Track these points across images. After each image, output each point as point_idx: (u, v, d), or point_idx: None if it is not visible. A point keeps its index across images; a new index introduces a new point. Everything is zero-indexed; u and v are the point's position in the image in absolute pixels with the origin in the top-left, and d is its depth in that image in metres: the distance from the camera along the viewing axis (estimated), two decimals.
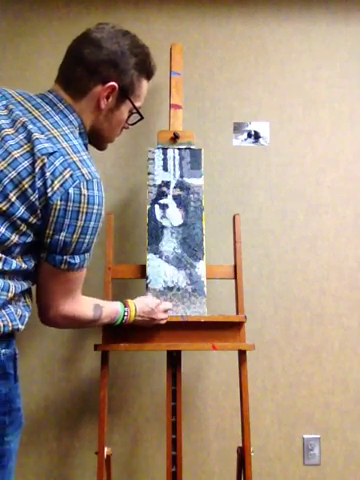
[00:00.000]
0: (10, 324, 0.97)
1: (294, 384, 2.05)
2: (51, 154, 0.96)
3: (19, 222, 0.95)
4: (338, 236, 2.13)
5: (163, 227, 1.70)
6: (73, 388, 2.01)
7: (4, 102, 1.04)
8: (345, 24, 2.23)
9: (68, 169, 0.96)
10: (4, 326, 0.95)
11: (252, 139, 2.17)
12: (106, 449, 1.57)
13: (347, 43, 2.23)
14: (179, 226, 1.71)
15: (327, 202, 2.14)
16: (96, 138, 1.17)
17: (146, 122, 2.15)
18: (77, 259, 1.02)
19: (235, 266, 1.71)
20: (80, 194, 0.97)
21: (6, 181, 0.93)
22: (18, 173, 0.94)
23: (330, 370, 2.06)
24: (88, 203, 0.98)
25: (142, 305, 1.42)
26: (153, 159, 1.77)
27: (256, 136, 2.17)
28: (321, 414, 2.04)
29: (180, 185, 1.75)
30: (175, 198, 1.74)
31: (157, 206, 1.73)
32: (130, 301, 1.39)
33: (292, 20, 2.23)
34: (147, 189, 1.75)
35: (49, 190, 0.94)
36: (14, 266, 0.97)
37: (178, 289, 1.64)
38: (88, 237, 1.01)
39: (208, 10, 2.21)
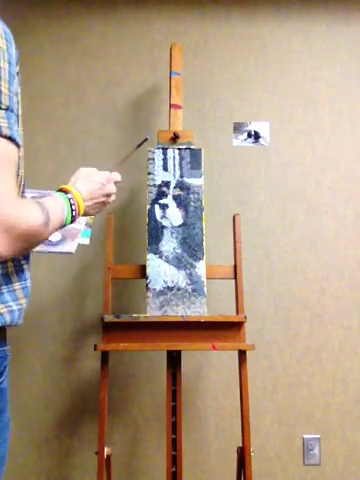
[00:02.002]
0: None
1: (294, 384, 2.05)
2: None
3: None
4: (338, 236, 2.13)
5: (163, 227, 1.70)
6: (73, 388, 2.01)
7: None
8: (345, 24, 2.23)
9: None
10: None
11: (252, 139, 2.17)
12: (106, 449, 1.57)
13: (347, 43, 2.23)
14: (179, 226, 1.71)
15: (327, 202, 2.14)
16: None
17: (146, 122, 2.16)
18: (0, 116, 0.68)
19: (235, 266, 1.71)
20: None
21: None
22: None
23: (330, 370, 2.06)
24: None
25: (90, 185, 0.96)
26: (153, 159, 1.78)
27: (256, 136, 2.17)
28: (321, 414, 2.04)
29: (180, 185, 1.75)
30: (175, 198, 1.74)
31: (157, 206, 1.73)
32: (69, 187, 0.91)
33: (292, 20, 2.23)
34: (147, 189, 1.75)
35: None
36: None
37: (178, 289, 1.64)
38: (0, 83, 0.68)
39: (208, 10, 2.21)
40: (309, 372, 2.06)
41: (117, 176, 1.08)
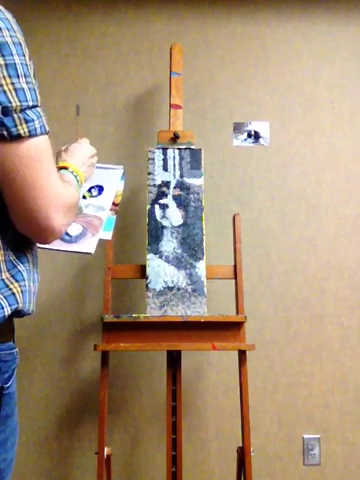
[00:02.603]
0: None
1: (294, 384, 2.05)
2: None
3: None
4: (338, 236, 2.13)
5: (163, 227, 1.70)
6: (73, 388, 2.01)
7: None
8: (345, 24, 2.23)
9: None
10: None
11: (252, 139, 2.17)
12: (106, 449, 1.57)
13: (347, 43, 2.23)
14: (179, 226, 1.72)
15: (327, 202, 2.14)
16: None
17: (146, 122, 2.16)
18: (32, 115, 0.71)
19: (235, 266, 1.71)
20: None
21: None
22: None
23: (330, 370, 2.06)
24: None
25: (77, 156, 1.03)
26: (153, 159, 1.78)
27: (256, 136, 2.17)
28: (321, 414, 2.04)
29: (180, 185, 1.75)
30: (175, 198, 1.74)
31: (157, 206, 1.73)
32: (65, 163, 0.97)
33: (292, 20, 2.23)
34: (147, 189, 1.75)
35: None
36: None
37: (178, 289, 1.64)
38: (23, 79, 0.71)
39: (208, 10, 2.21)
40: (309, 372, 2.06)
41: (85, 140, 1.19)
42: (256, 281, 2.08)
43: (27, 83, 0.72)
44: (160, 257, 1.68)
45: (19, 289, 0.74)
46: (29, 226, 0.73)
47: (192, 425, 2.01)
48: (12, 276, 0.74)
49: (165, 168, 1.77)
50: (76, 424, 2.00)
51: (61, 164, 0.95)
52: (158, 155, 1.78)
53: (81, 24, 2.18)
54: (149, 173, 1.76)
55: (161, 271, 1.66)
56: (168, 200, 1.74)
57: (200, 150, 1.80)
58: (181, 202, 1.74)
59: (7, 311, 0.71)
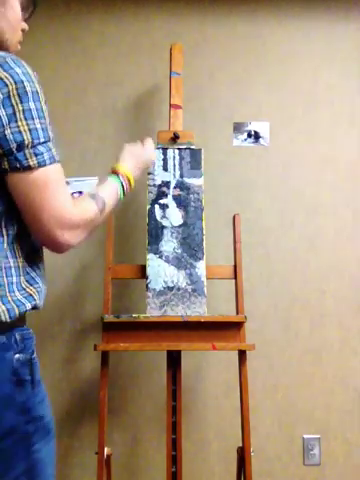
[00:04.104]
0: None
1: (294, 384, 2.05)
2: None
3: None
4: (338, 236, 2.13)
5: (163, 227, 1.70)
6: (73, 388, 2.01)
7: None
8: (345, 24, 2.23)
9: None
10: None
11: (252, 139, 2.17)
12: (106, 449, 1.57)
13: (347, 43, 2.23)
14: (179, 226, 1.72)
15: (327, 202, 2.14)
16: (2, 49, 1.01)
17: (146, 122, 2.16)
18: (42, 149, 0.86)
19: (235, 266, 1.71)
20: (1, 80, 0.83)
21: None
22: None
23: (330, 370, 2.06)
24: (16, 83, 0.84)
25: (134, 160, 1.19)
26: None
27: (256, 136, 2.17)
28: (321, 414, 2.04)
29: (180, 185, 1.75)
30: (175, 198, 1.74)
31: (157, 206, 1.73)
32: (120, 166, 1.14)
33: (292, 20, 2.23)
34: (147, 189, 1.75)
35: None
36: None
37: (178, 289, 1.64)
38: (37, 121, 0.86)
39: (208, 10, 2.21)
40: (309, 372, 2.05)
41: (150, 142, 1.33)
42: (256, 281, 2.08)
43: (40, 124, 0.86)
44: (160, 257, 1.68)
45: (35, 290, 0.92)
46: (40, 240, 0.91)
47: (192, 425, 2.01)
48: (27, 281, 0.91)
49: (165, 168, 1.77)
50: (76, 424, 2.00)
51: (114, 167, 1.13)
52: (158, 155, 1.78)
53: (81, 23, 2.18)
54: (149, 173, 1.76)
55: (161, 271, 1.66)
56: (168, 200, 1.74)
57: (200, 150, 1.80)
58: (181, 202, 1.74)
59: (28, 306, 0.89)
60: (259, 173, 2.15)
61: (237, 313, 1.67)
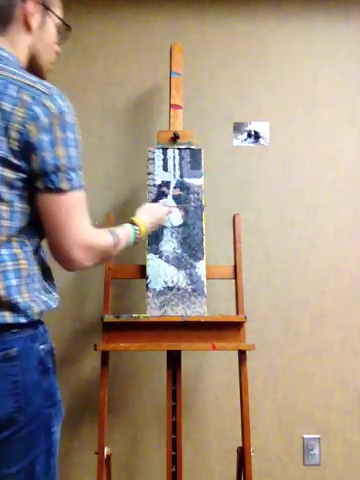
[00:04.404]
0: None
1: (294, 384, 2.05)
2: (3, 87, 0.93)
3: (4, 168, 0.92)
4: (338, 236, 2.13)
5: (163, 227, 1.70)
6: (73, 388, 2.01)
7: None
8: (345, 24, 2.23)
9: (25, 92, 0.94)
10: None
11: (252, 139, 2.17)
12: (106, 449, 1.57)
13: (347, 43, 2.23)
14: (179, 226, 1.72)
15: (327, 202, 2.14)
16: (35, 67, 1.13)
17: (146, 122, 2.16)
18: (73, 175, 0.97)
19: (235, 266, 1.71)
20: (48, 109, 0.95)
21: None
22: None
23: (330, 370, 2.06)
24: (60, 113, 0.97)
25: (149, 217, 1.39)
26: (153, 159, 1.77)
27: (256, 136, 2.17)
28: (321, 414, 2.04)
29: (180, 185, 1.75)
30: (175, 198, 1.74)
31: None
32: (137, 219, 1.32)
33: (292, 20, 2.23)
34: (147, 189, 1.75)
35: (16, 120, 0.92)
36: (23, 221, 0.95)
37: (178, 289, 1.64)
38: (73, 150, 0.97)
39: (208, 10, 2.21)
40: (309, 372, 2.05)
41: (168, 208, 1.56)
42: (256, 281, 2.08)
43: (75, 152, 0.97)
44: (160, 257, 1.67)
45: (53, 297, 1.04)
46: (56, 254, 0.99)
47: (192, 425, 2.01)
48: (48, 285, 1.04)
49: (165, 168, 1.77)
50: (76, 424, 2.00)
51: (134, 219, 1.32)
52: (158, 155, 1.78)
53: (81, 23, 2.18)
54: (149, 173, 1.76)
55: (161, 271, 1.66)
56: (168, 200, 1.74)
57: (200, 150, 1.80)
58: (181, 202, 1.74)
59: (46, 308, 1.00)
60: (259, 173, 2.15)
61: (237, 313, 1.67)
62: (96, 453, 1.56)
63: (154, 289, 1.64)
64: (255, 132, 2.17)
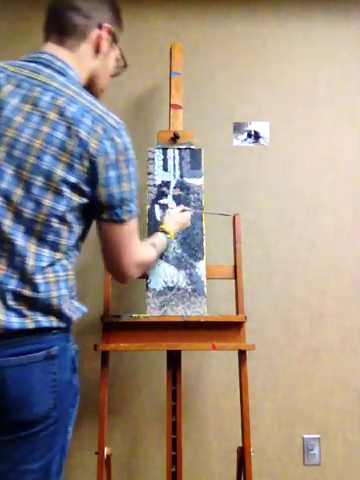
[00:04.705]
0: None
1: (294, 384, 2.05)
2: (80, 115, 0.99)
3: (73, 193, 0.99)
4: (338, 236, 2.13)
5: None
6: None
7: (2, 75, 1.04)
8: (345, 24, 2.23)
9: (99, 124, 1.01)
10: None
11: (252, 139, 2.17)
12: (106, 449, 1.57)
13: (347, 43, 2.23)
14: None
15: (327, 202, 2.14)
16: (91, 87, 1.20)
17: (146, 122, 2.16)
18: (133, 206, 1.07)
19: (235, 266, 1.71)
20: (116, 144, 1.02)
21: (47, 159, 0.96)
22: (57, 147, 0.96)
23: (330, 370, 2.06)
24: (125, 150, 1.04)
25: (174, 222, 1.59)
26: (153, 159, 1.77)
27: (256, 136, 2.17)
28: (321, 414, 2.04)
29: (180, 185, 1.75)
30: (175, 198, 1.74)
31: (157, 206, 1.73)
32: (166, 227, 1.54)
33: (292, 20, 2.23)
34: (147, 189, 1.75)
35: (90, 149, 0.98)
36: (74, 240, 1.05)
37: (178, 289, 1.64)
38: (133, 182, 1.06)
39: (208, 10, 2.21)
40: (309, 372, 2.05)
41: (187, 210, 1.69)
42: (256, 281, 2.08)
43: (135, 185, 1.07)
44: (160, 257, 1.67)
45: (80, 303, 1.11)
46: (114, 272, 1.20)
47: (192, 425, 2.01)
48: (73, 298, 1.11)
49: (165, 168, 1.77)
50: (76, 424, 1.99)
51: (163, 227, 1.55)
52: (158, 155, 1.78)
53: None
54: (149, 173, 1.76)
55: (161, 271, 1.66)
56: (168, 200, 1.73)
57: (200, 150, 1.80)
58: (181, 202, 1.73)
59: (81, 314, 1.10)
60: (259, 173, 2.15)
61: (237, 313, 1.66)
62: (96, 453, 1.55)
63: (154, 289, 1.64)
64: (255, 132, 2.17)
